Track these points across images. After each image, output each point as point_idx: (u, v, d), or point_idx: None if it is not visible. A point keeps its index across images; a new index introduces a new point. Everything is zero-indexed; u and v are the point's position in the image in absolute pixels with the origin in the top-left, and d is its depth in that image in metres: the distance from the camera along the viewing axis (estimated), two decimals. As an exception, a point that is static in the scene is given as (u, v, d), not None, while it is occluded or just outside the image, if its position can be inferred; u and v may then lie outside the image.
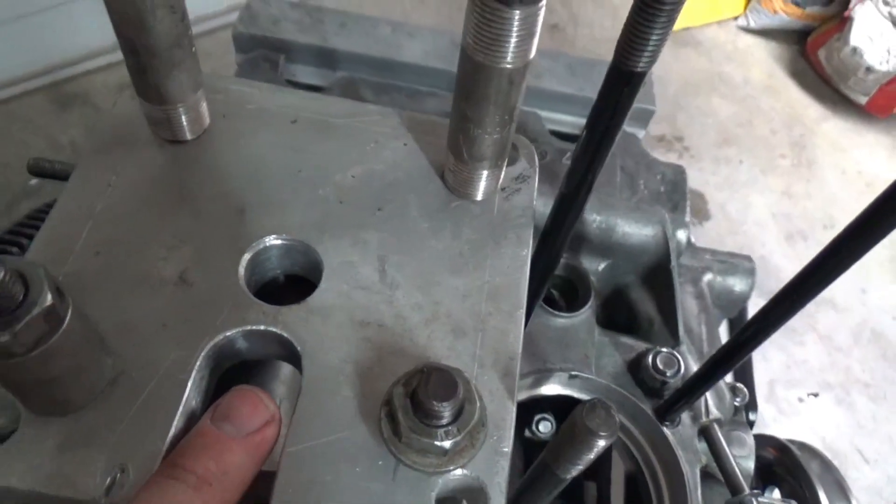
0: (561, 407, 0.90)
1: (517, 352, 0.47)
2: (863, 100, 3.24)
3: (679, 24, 2.52)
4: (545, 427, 0.93)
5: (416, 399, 0.38)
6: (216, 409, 0.42)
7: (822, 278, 0.56)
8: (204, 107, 0.52)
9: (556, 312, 0.89)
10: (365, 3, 3.38)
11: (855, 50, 3.15)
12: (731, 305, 1.05)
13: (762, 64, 3.53)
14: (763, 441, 1.07)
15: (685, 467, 0.82)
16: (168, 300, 0.45)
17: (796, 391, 2.85)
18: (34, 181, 2.98)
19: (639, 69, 0.42)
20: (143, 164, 0.51)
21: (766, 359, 2.86)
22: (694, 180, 3.14)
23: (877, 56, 3.12)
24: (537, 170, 0.55)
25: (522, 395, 0.88)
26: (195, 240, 0.48)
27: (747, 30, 3.59)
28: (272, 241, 0.49)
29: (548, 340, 0.88)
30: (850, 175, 3.23)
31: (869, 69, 3.13)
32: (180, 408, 0.42)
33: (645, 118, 1.08)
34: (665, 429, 0.84)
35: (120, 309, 0.44)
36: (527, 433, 0.92)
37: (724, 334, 1.18)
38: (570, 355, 0.87)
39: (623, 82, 0.44)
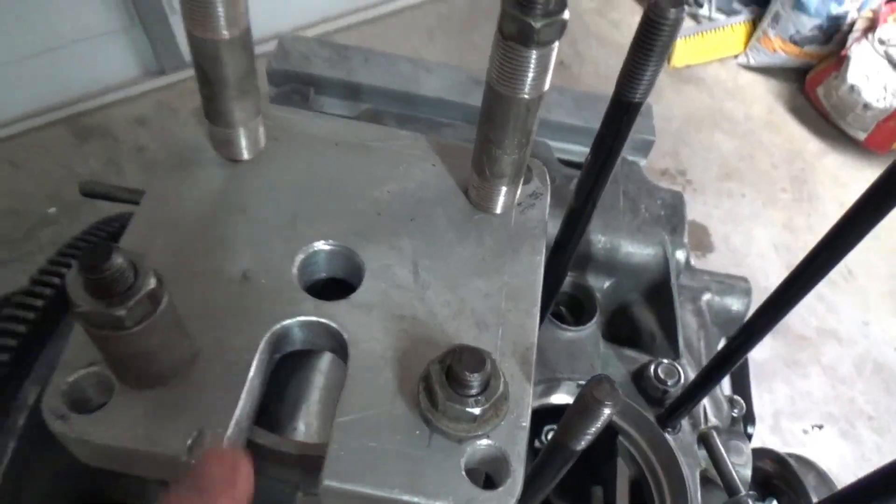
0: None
1: (533, 342, 0.54)
2: (861, 136, 3.31)
3: (681, 61, 2.65)
4: (553, 438, 0.98)
5: (450, 372, 0.45)
6: (183, 476, 0.42)
7: (802, 286, 0.63)
8: (261, 130, 0.60)
9: (565, 326, 0.97)
10: (376, 40, 3.51)
11: (852, 87, 3.24)
12: (729, 324, 1.11)
13: (762, 100, 3.63)
14: (762, 454, 1.13)
15: (686, 471, 0.88)
16: (234, 294, 0.53)
17: (801, 423, 2.88)
18: (52, 209, 3.08)
19: (636, 100, 0.50)
20: (208, 180, 0.59)
21: (771, 390, 2.90)
22: (697, 213, 3.21)
23: (874, 93, 3.21)
24: (549, 188, 0.63)
25: (533, 404, 0.94)
26: (255, 244, 0.56)
27: (748, 67, 3.69)
28: (321, 245, 0.57)
29: (556, 352, 0.95)
30: (849, 209, 3.28)
31: (866, 106, 3.22)
32: (246, 385, 0.49)
33: (646, 148, 1.16)
34: (667, 435, 0.90)
35: (194, 301, 0.52)
36: (536, 444, 0.98)
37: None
38: (577, 366, 0.94)
39: (623, 111, 0.52)
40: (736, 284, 1.10)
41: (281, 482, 0.56)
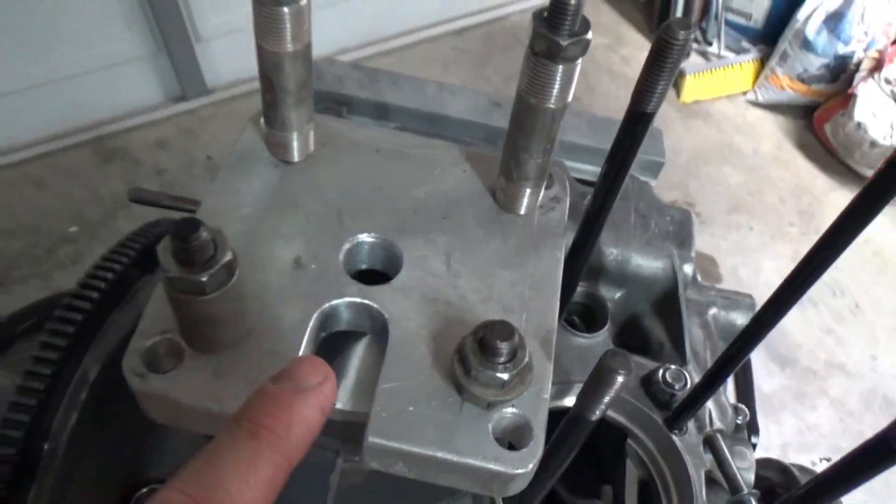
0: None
1: (553, 327, 0.60)
2: (869, 172, 3.36)
3: (691, 97, 2.75)
4: (566, 442, 1.03)
5: (482, 341, 0.51)
6: (275, 374, 0.45)
7: (796, 290, 0.69)
8: (312, 135, 0.67)
9: (578, 333, 1.03)
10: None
11: (859, 125, 3.30)
12: (734, 337, 1.17)
13: (771, 136, 3.70)
14: (766, 464, 1.18)
15: (692, 471, 0.93)
16: (287, 277, 0.59)
17: (809, 455, 2.89)
18: (73, 228, 3.17)
19: (649, 110, 0.57)
20: (263, 178, 0.66)
21: (779, 422, 2.92)
22: (706, 245, 3.27)
23: (880, 131, 3.27)
24: (568, 193, 0.70)
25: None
26: (305, 234, 0.62)
27: (756, 104, 3.77)
28: (364, 237, 0.63)
29: (569, 357, 1.01)
30: (857, 244, 3.30)
31: (873, 143, 3.28)
32: (298, 355, 0.55)
33: (656, 169, 1.24)
34: (674, 436, 0.95)
35: (253, 282, 0.58)
36: (548, 448, 1.03)
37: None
38: (589, 370, 0.99)
39: (637, 121, 0.59)
40: (741, 300, 1.16)
41: (323, 449, 0.62)
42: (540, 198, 0.68)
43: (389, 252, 0.64)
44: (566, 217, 0.68)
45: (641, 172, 1.22)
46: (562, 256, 0.65)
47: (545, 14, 0.52)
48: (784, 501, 0.66)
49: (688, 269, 1.06)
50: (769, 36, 3.73)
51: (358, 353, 0.66)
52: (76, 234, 3.15)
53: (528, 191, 0.65)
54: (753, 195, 3.46)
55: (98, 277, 0.86)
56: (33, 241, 3.08)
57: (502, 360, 0.51)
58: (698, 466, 0.94)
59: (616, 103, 3.56)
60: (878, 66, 3.31)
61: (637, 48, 3.89)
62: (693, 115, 3.65)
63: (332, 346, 0.66)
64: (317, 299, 0.58)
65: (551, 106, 0.57)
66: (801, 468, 1.20)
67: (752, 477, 1.00)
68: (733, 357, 0.80)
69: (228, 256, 0.47)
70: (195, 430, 0.55)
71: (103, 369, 0.75)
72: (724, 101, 3.73)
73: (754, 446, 1.18)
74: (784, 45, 3.52)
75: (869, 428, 2.92)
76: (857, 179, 3.40)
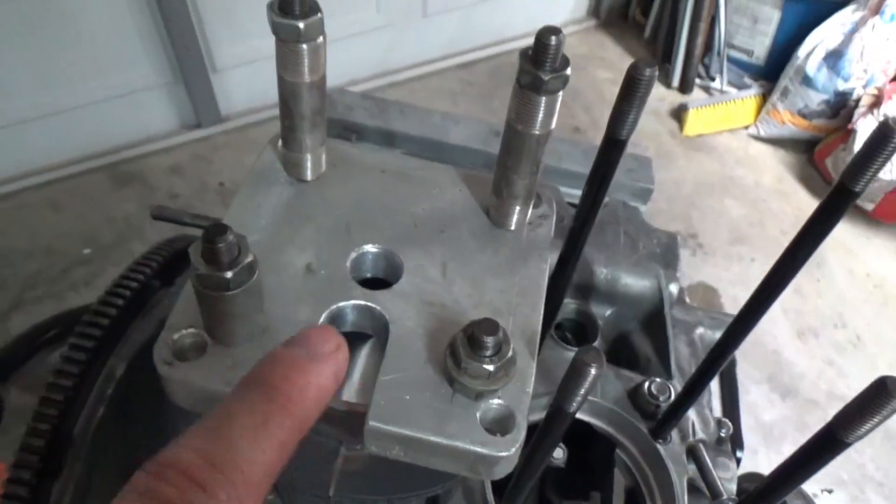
0: (571, 438, 1.07)
1: (537, 330, 0.67)
2: (869, 206, 3.42)
3: (693, 130, 2.85)
4: (558, 453, 1.09)
5: (471, 337, 0.58)
6: (288, 340, 0.45)
7: (765, 300, 0.76)
8: (324, 157, 0.75)
9: (569, 347, 1.09)
10: (405, 103, 3.73)
11: (859, 160, 3.36)
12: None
13: (772, 170, 3.76)
14: (750, 478, 1.23)
15: (675, 477, 0.99)
16: (300, 281, 0.66)
17: (811, 487, 2.89)
18: (87, 251, 3.25)
19: (622, 137, 0.64)
20: (279, 194, 0.73)
21: (780, 452, 2.94)
22: (708, 276, 3.32)
23: (880, 166, 3.32)
24: (555, 211, 0.77)
25: (537, 416, 1.06)
26: (316, 244, 0.70)
27: (758, 138, 3.84)
28: (369, 248, 0.71)
29: (561, 370, 1.06)
30: (858, 276, 3.38)
31: (873, 178, 3.33)
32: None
33: (645, 195, 1.31)
34: (658, 445, 1.01)
35: (268, 286, 0.65)
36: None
37: (715, 386, 1.35)
38: (579, 382, 1.06)
39: (612, 147, 0.66)
40: (726, 320, 1.22)
41: (327, 438, 0.69)
42: (528, 215, 0.75)
43: (391, 261, 0.71)
44: (552, 233, 0.75)
45: (631, 198, 1.29)
46: (547, 268, 0.72)
47: (530, 52, 0.60)
48: (748, 497, 0.71)
49: (673, 288, 1.12)
50: (770, 72, 3.83)
51: (362, 355, 0.72)
52: (90, 256, 3.23)
53: (518, 208, 0.72)
54: (755, 227, 3.52)
55: (123, 286, 0.93)
56: (49, 263, 3.17)
57: (488, 353, 0.58)
58: (681, 474, 0.99)
59: (620, 136, 3.64)
60: (877, 102, 3.39)
61: (641, 83, 3.98)
62: (696, 148, 3.73)
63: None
64: (325, 301, 0.65)
65: (536, 132, 0.64)
66: (785, 483, 1.25)
67: (734, 487, 1.06)
68: (711, 366, 0.87)
69: (250, 258, 0.55)
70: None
71: (129, 367, 0.82)
72: (727, 134, 3.81)
73: (739, 460, 1.23)
74: (785, 81, 3.61)
75: (870, 460, 2.94)
76: (857, 212, 3.45)
